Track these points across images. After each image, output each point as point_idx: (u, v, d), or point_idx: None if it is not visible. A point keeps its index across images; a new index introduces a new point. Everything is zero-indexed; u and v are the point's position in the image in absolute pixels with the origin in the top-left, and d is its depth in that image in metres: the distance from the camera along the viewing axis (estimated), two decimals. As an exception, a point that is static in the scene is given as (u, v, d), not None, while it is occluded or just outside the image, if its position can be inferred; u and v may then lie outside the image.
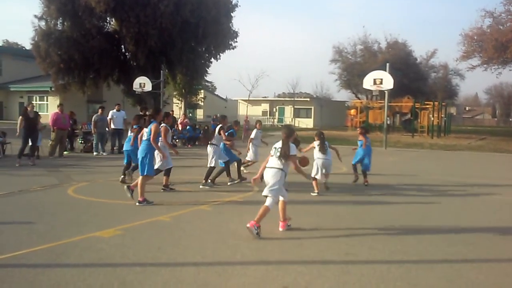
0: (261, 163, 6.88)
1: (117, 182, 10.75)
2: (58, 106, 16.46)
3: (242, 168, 11.83)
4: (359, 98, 57.82)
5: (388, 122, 29.04)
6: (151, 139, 8.15)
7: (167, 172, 9.65)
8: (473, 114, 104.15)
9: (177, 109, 43.35)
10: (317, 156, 9.98)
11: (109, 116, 17.89)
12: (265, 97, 66.71)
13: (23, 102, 45.16)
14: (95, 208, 7.93)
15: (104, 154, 17.18)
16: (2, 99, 45.80)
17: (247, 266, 5.02)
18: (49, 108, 39.81)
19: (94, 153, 17.04)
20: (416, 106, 36.50)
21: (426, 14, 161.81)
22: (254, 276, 4.67)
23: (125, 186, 8.66)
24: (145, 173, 8.17)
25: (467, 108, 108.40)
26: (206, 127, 25.28)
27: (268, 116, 57.61)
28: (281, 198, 6.61)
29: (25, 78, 46.02)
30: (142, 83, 27.18)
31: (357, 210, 8.29)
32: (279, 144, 6.60)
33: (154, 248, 5.52)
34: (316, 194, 9.63)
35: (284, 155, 6.42)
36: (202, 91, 58.85)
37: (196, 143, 23.59)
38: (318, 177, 9.77)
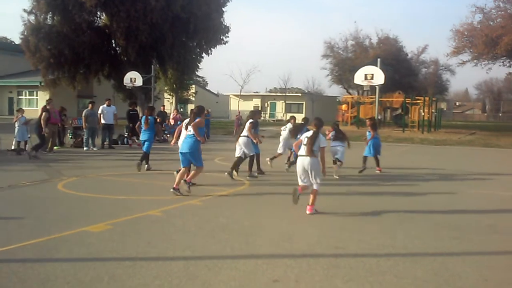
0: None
1: (108, 177, 10.75)
2: (47, 101, 16.33)
3: (268, 160, 12.66)
4: (350, 93, 58.00)
5: (379, 117, 29.20)
6: (196, 134, 8.72)
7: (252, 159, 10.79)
8: (463, 109, 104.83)
9: (168, 104, 43.21)
10: (332, 144, 11.31)
11: (100, 111, 17.84)
12: (256, 92, 66.66)
13: (12, 97, 44.86)
14: (85, 203, 7.91)
15: (95, 149, 17.12)
16: (-9, 94, 45.42)
17: (237, 259, 5.04)
18: (38, 103, 39.52)
19: (85, 148, 16.96)
20: (407, 101, 36.63)
21: (417, 9, 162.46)
22: (244, 270, 4.70)
23: (182, 180, 8.80)
24: (200, 165, 8.86)
25: (457, 103, 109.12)
26: None
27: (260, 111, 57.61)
28: (314, 186, 7.35)
29: (15, 73, 45.67)
30: (133, 78, 27.08)
31: (346, 203, 8.34)
32: (309, 133, 7.40)
33: (144, 243, 5.53)
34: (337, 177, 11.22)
35: (311, 147, 7.20)
36: (193, 86, 58.72)
37: (157, 138, 23.39)
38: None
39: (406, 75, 56.59)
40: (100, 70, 35.34)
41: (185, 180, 8.79)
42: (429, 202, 8.75)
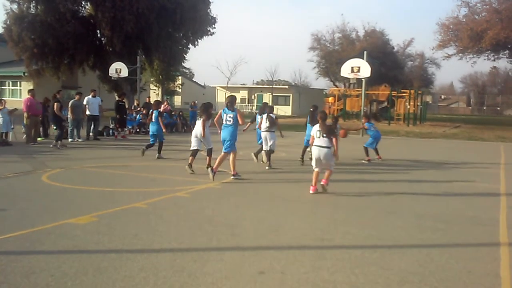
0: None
1: (93, 169, 10.67)
2: (29, 91, 16.08)
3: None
4: (337, 86, 58.14)
5: (365, 110, 29.25)
6: (241, 121, 9.71)
7: (209, 153, 10.91)
8: (448, 103, 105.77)
9: (154, 95, 42.89)
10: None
11: (84, 102, 17.64)
12: (243, 84, 66.49)
13: (-5, 87, 44.07)
14: (70, 194, 7.83)
15: (80, 140, 16.94)
16: (-27, 84, 44.57)
17: (223, 251, 5.04)
18: (22, 94, 38.92)
19: (69, 140, 16.77)
20: (393, 94, 36.89)
21: (403, 3, 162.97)
22: (230, 262, 4.70)
23: (209, 169, 9.63)
24: (231, 150, 9.74)
25: (442, 97, 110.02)
26: (180, 113, 25.00)
27: (247, 104, 57.47)
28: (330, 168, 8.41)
29: (-3, 63, 44.83)
30: (118, 68, 26.77)
31: (332, 195, 8.37)
32: (318, 127, 8.27)
33: (130, 235, 5.49)
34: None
35: (328, 132, 8.12)
36: (179, 77, 58.32)
37: (173, 129, 23.34)
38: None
39: (392, 68, 56.97)
40: (85, 60, 34.90)
41: (211, 169, 9.57)
42: (414, 194, 8.83)
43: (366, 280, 4.32)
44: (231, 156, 9.77)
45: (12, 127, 15.63)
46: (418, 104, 38.09)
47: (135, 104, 23.87)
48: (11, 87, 42.91)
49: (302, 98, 55.90)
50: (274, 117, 11.87)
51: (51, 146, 14.64)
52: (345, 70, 22.33)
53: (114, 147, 15.84)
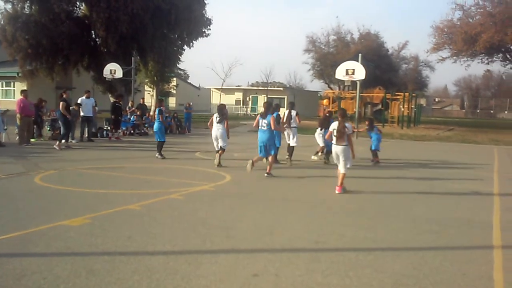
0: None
1: (87, 170, 10.62)
2: (21, 92, 15.95)
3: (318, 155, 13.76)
4: (331, 88, 58.29)
5: (369, 115, 29.33)
6: (273, 127, 10.49)
7: (223, 150, 11.84)
8: (442, 106, 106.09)
9: (149, 97, 42.78)
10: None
11: (78, 102, 17.57)
12: (238, 86, 66.49)
13: (-12, 87, 43.82)
14: (63, 196, 7.78)
15: (73, 141, 16.84)
16: (-34, 84, 44.27)
17: (217, 254, 5.02)
18: (16, 95, 38.70)
19: (63, 141, 16.65)
20: (387, 96, 36.99)
21: (398, 5, 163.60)
22: (224, 264, 4.68)
23: (250, 166, 10.45)
24: (273, 153, 10.63)
25: (436, 100, 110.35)
26: (175, 114, 24.91)
27: (242, 105, 57.45)
28: (342, 170, 8.59)
29: (-9, 63, 44.58)
30: (113, 69, 26.65)
31: (327, 198, 8.37)
32: (336, 124, 8.58)
33: (123, 237, 5.46)
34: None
35: (341, 133, 8.41)
36: (174, 79, 58.18)
37: (168, 131, 23.25)
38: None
39: (386, 70, 57.14)
40: (79, 61, 34.73)
41: (252, 162, 10.52)
42: (408, 196, 8.84)
43: (360, 283, 4.32)
44: (271, 157, 10.66)
45: (5, 128, 15.53)
46: (412, 106, 38.19)
47: (130, 105, 23.80)
48: (4, 88, 42.65)
49: (297, 100, 55.83)
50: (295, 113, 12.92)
51: (54, 146, 14.53)
52: (340, 73, 22.37)
53: (108, 149, 15.77)
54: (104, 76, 27.62)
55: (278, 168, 11.65)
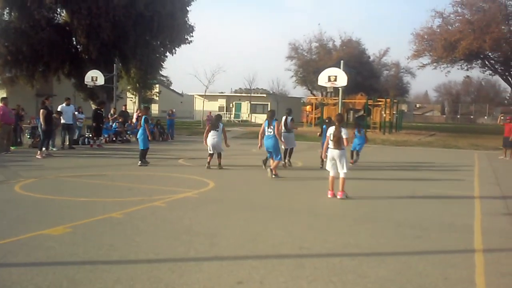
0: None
1: (68, 178, 10.49)
2: (1, 100, 15.70)
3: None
4: (314, 95, 58.63)
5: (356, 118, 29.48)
6: (277, 133, 11.44)
7: (219, 156, 12.69)
8: (423, 111, 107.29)
9: (131, 103, 42.53)
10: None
11: (59, 110, 17.36)
12: (221, 92, 66.40)
13: (-34, 95, 43.00)
14: (44, 205, 7.65)
15: (54, 149, 16.60)
16: None
17: (201, 262, 4.98)
18: (-5, 102, 38.03)
19: (43, 149, 16.41)
20: (369, 103, 37.33)
21: (379, 13, 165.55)
22: (208, 272, 4.65)
23: (270, 174, 11.15)
24: (279, 159, 11.51)
25: (417, 105, 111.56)
26: (158, 121, 24.75)
27: (225, 112, 57.41)
28: (342, 175, 8.73)
29: (-31, 70, 43.76)
30: (94, 76, 26.39)
31: (310, 203, 8.39)
32: (332, 130, 8.77)
33: (105, 246, 5.39)
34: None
35: (338, 138, 8.59)
36: (157, 85, 57.92)
37: (150, 138, 23.02)
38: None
39: (368, 77, 57.73)
40: (60, 68, 34.37)
41: (271, 169, 11.24)
42: (391, 200, 8.91)
43: (345, 289, 4.32)
44: (276, 162, 11.33)
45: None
46: (394, 112, 38.59)
47: (111, 112, 23.58)
48: (-17, 95, 41.94)
49: (280, 107, 56.03)
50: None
51: (37, 156, 14.24)
52: (322, 79, 22.48)
53: (90, 156, 15.60)
54: (85, 83, 27.35)
55: (265, 175, 11.64)
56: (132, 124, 23.19)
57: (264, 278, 4.51)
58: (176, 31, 34.37)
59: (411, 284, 4.48)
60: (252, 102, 57.43)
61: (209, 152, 12.75)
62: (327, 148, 8.87)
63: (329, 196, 8.83)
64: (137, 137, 13.55)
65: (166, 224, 6.55)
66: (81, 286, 4.17)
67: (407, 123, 55.07)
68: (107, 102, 30.89)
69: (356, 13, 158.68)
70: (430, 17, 45.94)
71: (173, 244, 5.57)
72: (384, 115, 35.62)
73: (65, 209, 7.38)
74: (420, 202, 8.95)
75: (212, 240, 5.77)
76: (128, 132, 22.49)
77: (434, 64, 35.36)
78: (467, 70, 37.82)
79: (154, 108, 63.69)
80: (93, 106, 31.30)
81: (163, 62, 38.51)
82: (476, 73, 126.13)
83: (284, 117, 13.80)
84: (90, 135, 19.77)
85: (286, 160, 13.45)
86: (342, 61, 23.40)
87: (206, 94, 48.79)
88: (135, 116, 24.58)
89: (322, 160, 12.74)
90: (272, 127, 11.38)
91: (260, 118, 54.19)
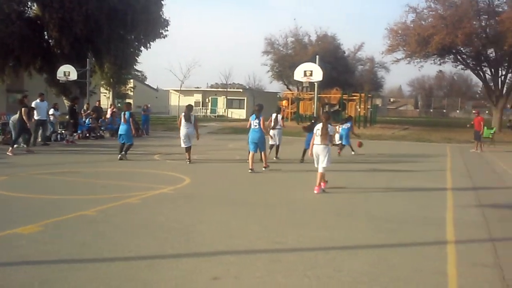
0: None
1: (41, 176, 10.29)
2: None
3: None
4: (290, 90, 58.72)
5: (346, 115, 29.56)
6: (263, 126, 11.69)
7: (188, 149, 12.83)
8: (397, 105, 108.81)
9: (105, 99, 41.87)
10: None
11: (32, 106, 16.99)
12: (197, 87, 65.98)
13: None
14: (15, 203, 7.49)
15: (26, 146, 16.23)
16: None
17: (177, 258, 4.95)
18: (-37, 98, 37.00)
19: (15, 146, 16.05)
20: (344, 97, 37.67)
21: (354, 8, 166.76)
22: (184, 269, 4.62)
23: (263, 168, 11.58)
24: (264, 150, 11.84)
25: (391, 100, 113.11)
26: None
27: (201, 107, 57.10)
28: (320, 169, 8.90)
29: None
30: (67, 71, 25.93)
31: (286, 198, 8.42)
32: (319, 126, 8.94)
33: (78, 244, 5.30)
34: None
35: (325, 134, 8.77)
36: (131, 80, 57.20)
37: (133, 134, 22.64)
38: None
39: (343, 72, 58.07)
40: (31, 63, 33.53)
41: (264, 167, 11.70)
42: (366, 194, 9.02)
43: (319, 282, 4.36)
44: (264, 153, 11.78)
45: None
46: (368, 107, 39.06)
47: (85, 108, 23.20)
48: (-49, 91, 40.75)
49: (256, 102, 55.95)
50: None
51: (8, 153, 13.88)
52: (298, 74, 22.58)
53: (63, 153, 15.34)
54: (58, 78, 26.83)
55: (242, 170, 11.64)
56: (106, 119, 22.87)
57: (240, 273, 4.52)
58: (151, 25, 33.93)
59: (385, 277, 4.55)
60: (228, 97, 57.24)
61: (183, 146, 12.82)
62: (314, 145, 9.04)
63: (315, 192, 8.87)
64: (120, 133, 13.47)
65: (141, 221, 6.49)
66: (53, 286, 4.10)
67: (381, 117, 55.82)
68: (80, 97, 30.38)
69: (332, 8, 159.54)
70: (404, 12, 46.51)
71: (148, 241, 5.52)
72: (359, 109, 36.02)
73: (36, 207, 7.24)
74: (394, 195, 9.09)
75: (188, 236, 5.74)
76: (102, 128, 22.16)
77: (408, 58, 35.71)
78: (440, 64, 38.35)
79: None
80: (66, 102, 30.75)
81: (137, 57, 37.99)
82: (449, 67, 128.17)
83: (274, 114, 14.46)
84: (63, 131, 19.47)
85: (275, 158, 13.88)
86: (317, 56, 23.54)
87: (181, 89, 48.46)
88: (109, 111, 24.27)
89: (303, 155, 12.91)
90: (258, 120, 11.60)
91: (237, 113, 54.14)
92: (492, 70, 34.41)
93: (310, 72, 21.98)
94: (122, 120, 13.44)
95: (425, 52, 33.22)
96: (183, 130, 12.72)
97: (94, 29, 30.60)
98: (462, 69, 40.43)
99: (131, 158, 13.57)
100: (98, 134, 21.48)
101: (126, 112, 13.43)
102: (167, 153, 15.19)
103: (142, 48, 36.64)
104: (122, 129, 13.37)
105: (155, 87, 74.78)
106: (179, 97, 46.45)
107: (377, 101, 73.21)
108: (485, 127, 20.75)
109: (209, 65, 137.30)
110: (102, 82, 39.94)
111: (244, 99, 57.52)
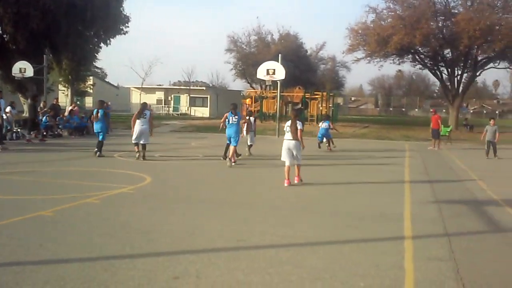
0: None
1: (-6, 176, 9.93)
2: None
3: None
4: (253, 88, 58.83)
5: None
6: (242, 121, 13.14)
7: (144, 147, 13.10)
8: (358, 104, 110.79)
9: (63, 96, 40.78)
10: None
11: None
12: (159, 85, 65.20)
13: None
14: (-34, 204, 7.20)
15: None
16: None
17: (137, 258, 4.87)
18: None
19: None
20: (306, 96, 38.00)
21: (316, 7, 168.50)
22: (144, 269, 4.55)
23: (228, 161, 12.12)
24: (236, 145, 12.36)
25: (352, 99, 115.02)
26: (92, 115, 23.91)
27: (163, 105, 56.45)
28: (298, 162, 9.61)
29: None
30: (23, 68, 25.12)
31: (249, 196, 8.43)
32: (289, 123, 9.46)
33: (34, 246, 5.14)
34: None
35: (294, 130, 9.30)
36: (91, 78, 55.94)
37: (84, 132, 22.22)
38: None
39: (305, 71, 58.61)
40: (-16, 59, 32.31)
41: (230, 159, 12.17)
42: (327, 191, 9.14)
43: (280, 279, 4.38)
44: (233, 148, 12.33)
45: None
46: (330, 105, 39.54)
47: (41, 105, 22.50)
48: None
49: (219, 100, 55.88)
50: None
51: None
52: (261, 72, 22.67)
53: (19, 152, 14.84)
54: (13, 75, 25.95)
55: (205, 168, 11.56)
56: (64, 118, 22.27)
57: (201, 272, 4.49)
58: (111, 21, 33.21)
59: (344, 272, 4.62)
60: (191, 95, 56.80)
61: (133, 141, 13.12)
62: (285, 140, 9.57)
63: (286, 184, 9.35)
64: (95, 130, 13.86)
65: (100, 221, 6.35)
66: (6, 289, 3.96)
67: (342, 116, 56.68)
68: (38, 95, 29.47)
69: (294, 7, 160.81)
70: (364, 13, 47.25)
71: (107, 241, 5.41)
72: (321, 108, 36.43)
73: (-10, 208, 6.98)
74: (354, 192, 9.24)
75: (149, 236, 5.66)
76: (60, 127, 21.57)
77: (368, 58, 36.30)
78: (399, 64, 39.19)
79: (88, 101, 61.57)
80: (23, 100, 29.79)
81: (97, 53, 37.12)
82: (408, 67, 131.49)
83: (252, 118, 15.95)
84: (19, 130, 18.89)
85: (248, 154, 14.78)
86: (280, 55, 23.69)
87: (143, 86, 47.96)
88: (67, 109, 23.64)
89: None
90: (237, 117, 12.54)
91: (200, 112, 53.79)
92: (449, 70, 35.46)
93: (273, 70, 22.11)
94: (94, 119, 13.88)
95: (385, 52, 33.88)
96: (137, 127, 12.99)
97: (52, 24, 29.72)
98: (420, 68, 41.47)
99: (91, 158, 13.28)
100: (56, 132, 20.89)
101: (100, 110, 13.74)
102: (127, 151, 14.94)
103: (102, 44, 35.81)
104: (97, 127, 13.77)
105: (116, 85, 73.37)
106: (140, 94, 45.84)
107: (338, 100, 74.23)
108: (442, 125, 21.41)
109: (171, 63, 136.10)
110: (60, 79, 38.88)
111: (207, 97, 57.23)
